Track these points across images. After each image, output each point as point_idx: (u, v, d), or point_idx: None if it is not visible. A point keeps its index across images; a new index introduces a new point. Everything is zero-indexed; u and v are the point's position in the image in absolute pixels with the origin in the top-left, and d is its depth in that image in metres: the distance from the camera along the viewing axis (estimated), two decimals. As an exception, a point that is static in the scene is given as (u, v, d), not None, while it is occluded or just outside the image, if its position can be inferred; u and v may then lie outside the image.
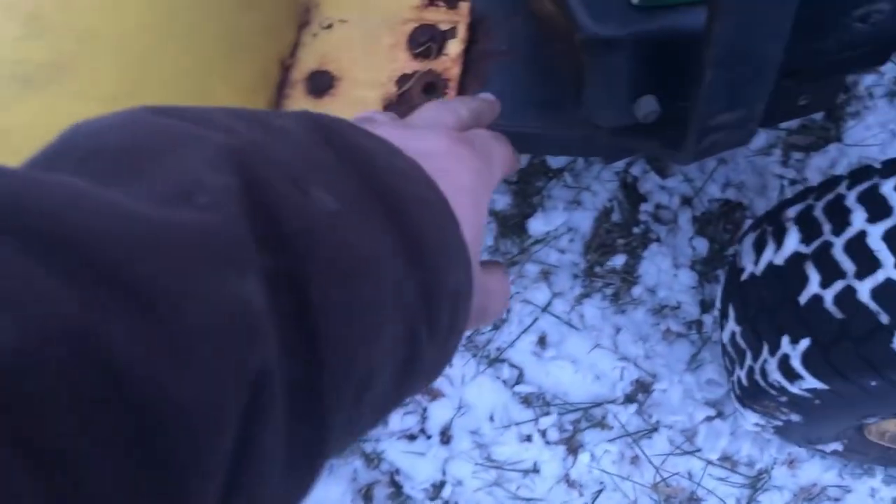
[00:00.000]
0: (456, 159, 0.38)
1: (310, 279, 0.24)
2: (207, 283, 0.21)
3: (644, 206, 1.39)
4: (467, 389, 1.34)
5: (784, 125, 1.40)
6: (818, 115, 1.41)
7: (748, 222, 1.35)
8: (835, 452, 1.11)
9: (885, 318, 0.78)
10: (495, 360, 1.35)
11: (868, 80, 1.41)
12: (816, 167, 1.36)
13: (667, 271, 1.34)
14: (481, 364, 1.35)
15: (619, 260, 1.37)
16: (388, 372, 0.29)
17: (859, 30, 0.84)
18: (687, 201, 1.38)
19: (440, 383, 1.34)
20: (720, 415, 1.26)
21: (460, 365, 1.35)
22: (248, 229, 0.23)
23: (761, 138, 1.39)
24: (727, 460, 1.26)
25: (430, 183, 0.32)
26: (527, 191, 1.45)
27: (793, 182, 1.36)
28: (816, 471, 1.23)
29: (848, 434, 1.03)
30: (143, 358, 0.19)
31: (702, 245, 1.35)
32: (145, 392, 0.19)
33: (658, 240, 1.37)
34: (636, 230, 1.38)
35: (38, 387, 0.17)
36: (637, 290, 1.35)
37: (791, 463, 1.23)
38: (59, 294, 0.18)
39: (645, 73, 0.81)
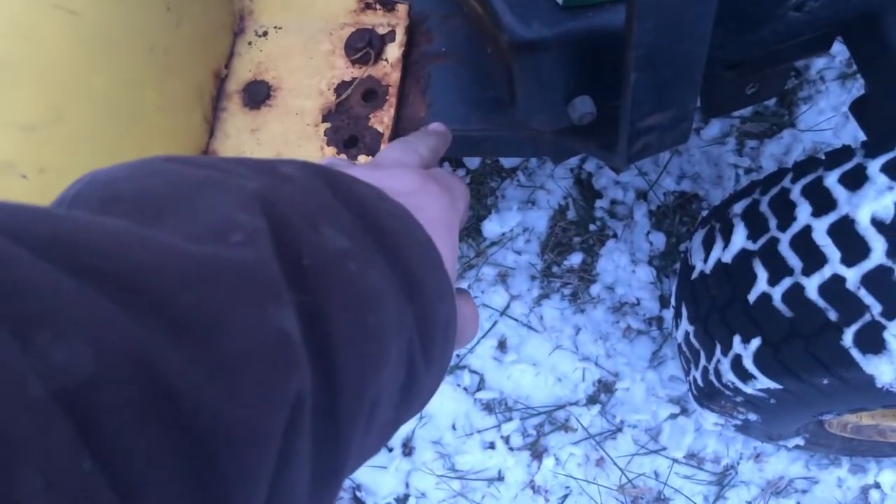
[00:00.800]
0: (428, 195, 0.40)
1: (328, 311, 0.26)
2: (251, 314, 0.23)
3: (599, 203, 1.36)
4: (428, 399, 1.31)
5: (737, 113, 1.38)
6: (771, 102, 1.39)
7: (704, 214, 1.33)
8: (797, 447, 1.09)
9: (833, 315, 0.76)
10: (455, 368, 1.32)
11: (819, 63, 1.39)
12: (771, 154, 1.34)
13: (625, 268, 1.32)
14: (441, 372, 1.32)
15: (576, 258, 1.34)
16: (392, 397, 0.31)
17: (796, 19, 0.82)
18: (642, 195, 1.36)
19: (400, 394, 1.31)
20: (684, 412, 1.24)
21: (420, 374, 1.32)
22: (277, 265, 0.25)
23: (715, 127, 1.36)
24: (693, 458, 1.24)
25: (416, 222, 0.34)
26: (480, 192, 1.42)
27: (748, 171, 1.34)
28: (783, 463, 1.22)
29: (809, 429, 1.01)
30: (197, 383, 0.20)
31: (659, 239, 1.33)
32: (200, 414, 0.20)
33: (615, 236, 1.35)
34: (592, 227, 1.36)
35: (113, 409, 0.18)
36: (595, 289, 1.33)
37: (757, 457, 1.22)
38: (122, 322, 0.20)
39: (577, 74, 0.79)
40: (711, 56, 0.68)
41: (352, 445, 0.28)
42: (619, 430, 1.26)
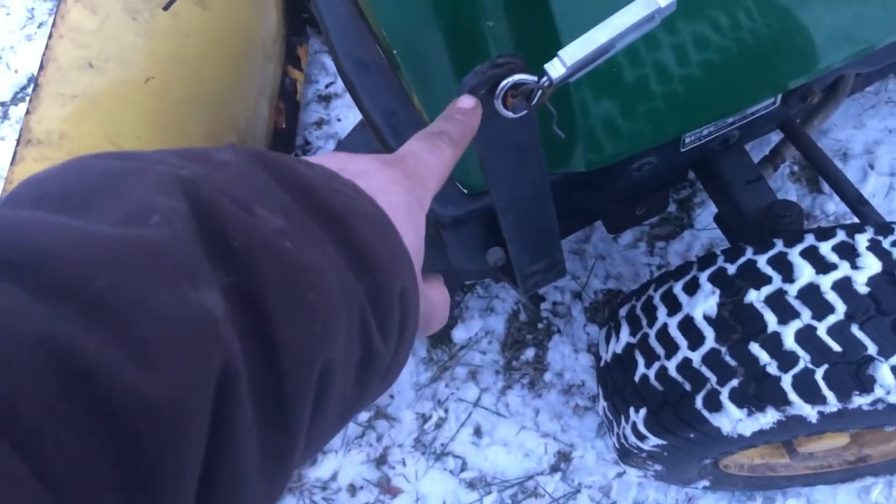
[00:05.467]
0: (387, 179, 0.41)
1: (262, 289, 0.26)
2: (166, 293, 0.23)
3: (544, 305, 1.68)
4: (421, 483, 1.59)
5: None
6: (673, 208, 1.72)
7: (627, 306, 1.64)
8: (706, 488, 1.37)
9: (688, 387, 1.06)
10: (441, 455, 1.61)
11: (707, 174, 1.73)
12: (676, 252, 1.67)
13: (569, 356, 1.63)
14: (430, 459, 1.61)
15: (529, 353, 1.65)
16: (347, 372, 0.31)
17: (637, 176, 1.15)
18: (577, 296, 1.68)
19: (397, 480, 1.59)
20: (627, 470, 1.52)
21: (413, 463, 1.60)
22: (199, 246, 0.25)
23: (628, 235, 1.69)
24: (640, 507, 1.52)
25: (367, 197, 0.36)
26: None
27: (659, 267, 1.67)
28: (711, 503, 1.49)
29: (708, 472, 1.30)
30: (112, 364, 0.21)
31: (594, 330, 1.64)
32: (117, 394, 0.21)
33: (559, 331, 1.66)
34: (540, 325, 1.67)
35: (24, 394, 0.19)
36: (548, 376, 1.63)
37: (689, 500, 1.49)
38: (29, 308, 0.20)
39: (487, 233, 1.11)
40: (588, 206, 1.00)
41: (301, 421, 0.28)
42: (578, 491, 1.54)
